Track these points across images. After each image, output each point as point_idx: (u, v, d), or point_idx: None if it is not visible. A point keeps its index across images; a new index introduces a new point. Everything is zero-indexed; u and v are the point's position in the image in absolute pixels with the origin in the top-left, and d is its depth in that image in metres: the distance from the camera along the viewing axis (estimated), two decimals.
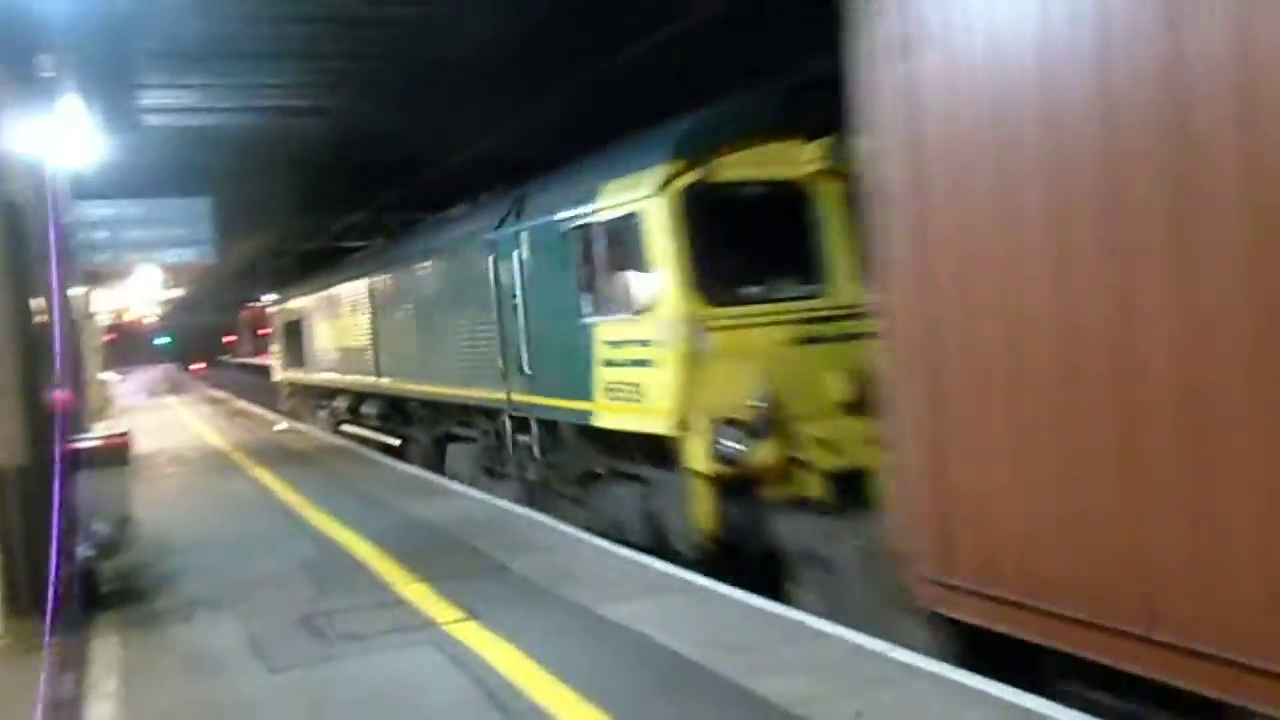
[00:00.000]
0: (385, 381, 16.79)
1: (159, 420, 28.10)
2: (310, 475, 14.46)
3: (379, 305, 17.02)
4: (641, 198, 8.07)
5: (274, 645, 6.46)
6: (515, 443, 11.15)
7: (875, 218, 5.75)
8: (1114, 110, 4.30)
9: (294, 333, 24.87)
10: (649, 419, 8.12)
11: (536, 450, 10.60)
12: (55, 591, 7.22)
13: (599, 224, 8.73)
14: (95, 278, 25.41)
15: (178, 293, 39.51)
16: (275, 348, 29.21)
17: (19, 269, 7.26)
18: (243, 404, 34.04)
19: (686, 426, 7.70)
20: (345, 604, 7.29)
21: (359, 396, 19.35)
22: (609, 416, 8.78)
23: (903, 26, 5.39)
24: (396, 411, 17.07)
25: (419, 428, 15.82)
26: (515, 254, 10.49)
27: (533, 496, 11.04)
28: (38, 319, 8.21)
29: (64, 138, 12.28)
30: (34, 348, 7.62)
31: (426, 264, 14.31)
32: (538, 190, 10.58)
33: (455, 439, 13.98)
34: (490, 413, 11.98)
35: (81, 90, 11.92)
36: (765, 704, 4.92)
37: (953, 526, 5.37)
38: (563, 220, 9.38)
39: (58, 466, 7.74)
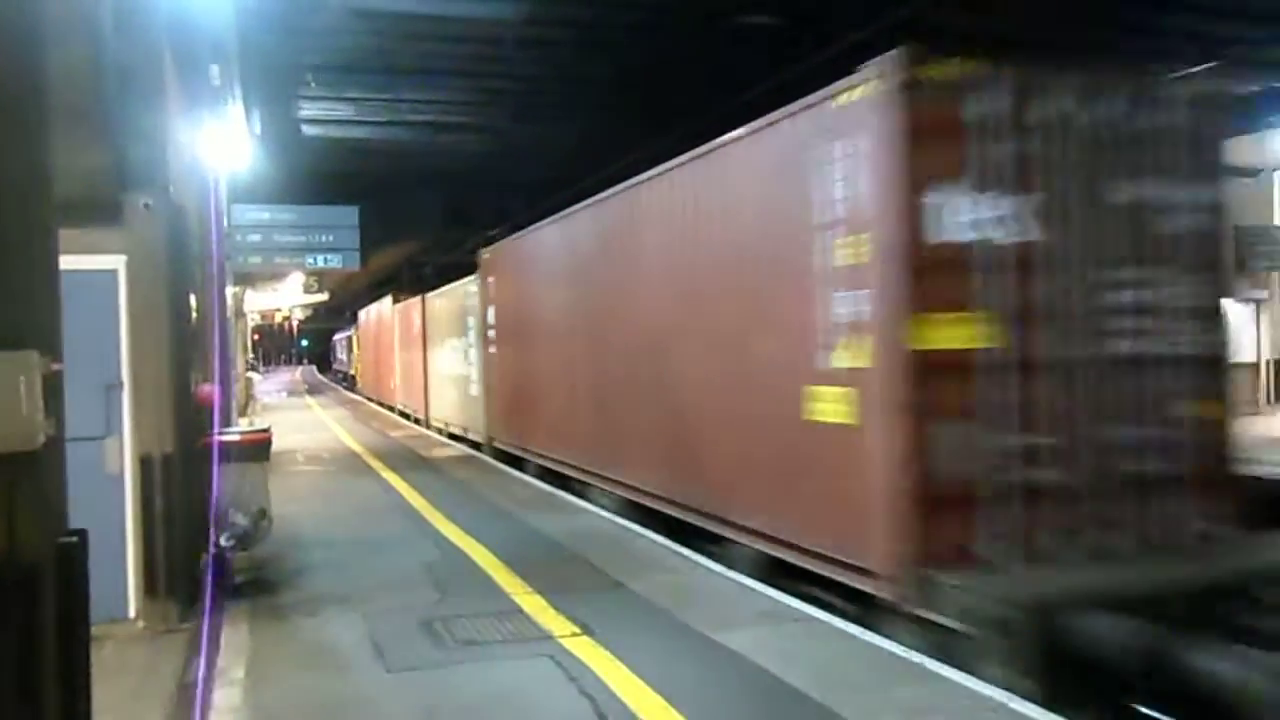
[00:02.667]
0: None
1: (297, 419, 29.10)
2: (436, 482, 14.76)
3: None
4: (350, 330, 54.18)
5: (393, 645, 6.59)
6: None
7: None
8: None
9: (335, 345, 73.30)
10: (354, 370, 51.76)
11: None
12: (211, 577, 7.54)
13: (350, 334, 55.52)
14: (245, 279, 26.49)
15: (320, 297, 40.89)
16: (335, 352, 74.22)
17: (179, 268, 7.60)
18: (376, 408, 35.03)
19: (359, 373, 48.60)
20: (464, 610, 7.40)
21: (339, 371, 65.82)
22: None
23: None
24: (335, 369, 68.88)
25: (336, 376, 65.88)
26: (347, 335, 58.76)
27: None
28: (192, 317, 8.59)
29: (226, 144, 12.85)
30: (187, 343, 7.96)
31: (337, 334, 69.88)
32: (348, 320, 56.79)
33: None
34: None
35: (245, 99, 12.44)
36: None
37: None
38: (344, 331, 61.05)
39: (215, 457, 8.08)
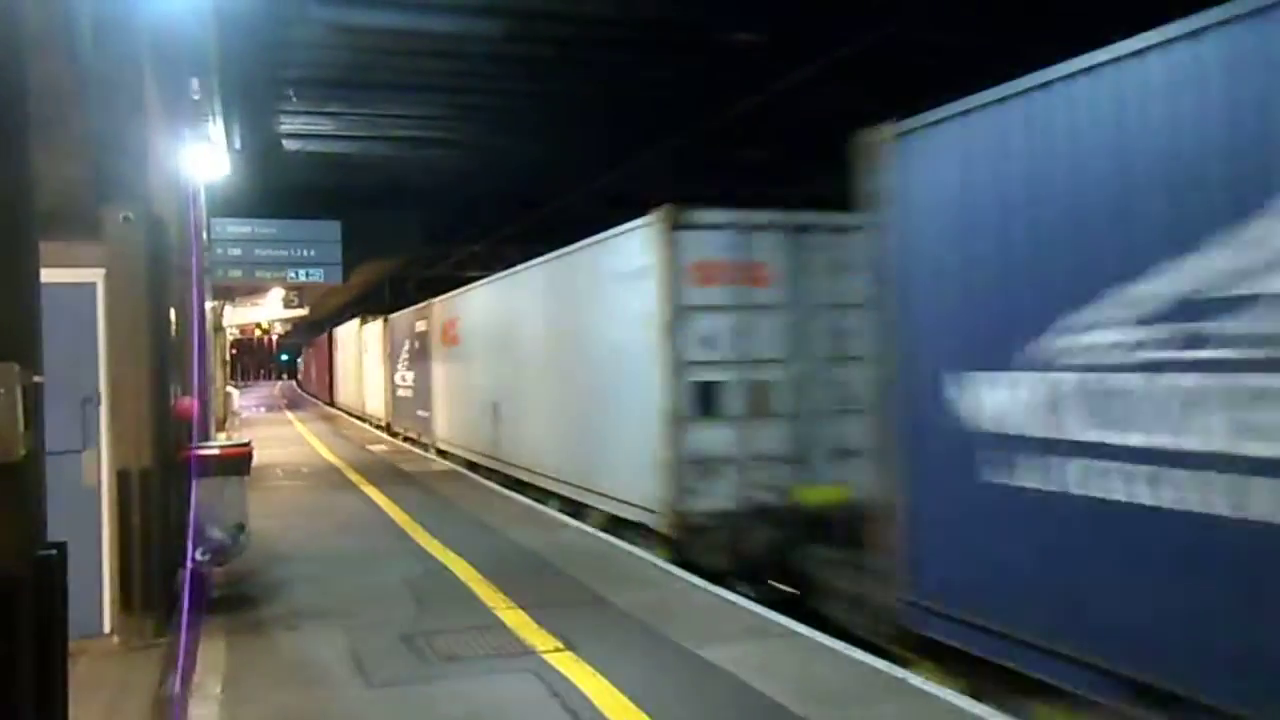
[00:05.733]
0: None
1: (276, 434, 28.94)
2: (418, 496, 14.70)
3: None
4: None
5: (374, 661, 6.55)
6: None
7: None
8: None
9: (298, 361, 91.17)
10: (300, 376, 75.65)
11: None
12: (188, 592, 7.47)
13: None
14: (225, 293, 26.37)
15: (300, 312, 40.70)
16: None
17: (158, 282, 7.55)
18: (357, 421, 34.87)
19: (302, 377, 75.08)
20: (446, 625, 7.36)
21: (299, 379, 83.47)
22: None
23: None
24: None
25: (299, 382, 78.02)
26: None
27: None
28: (171, 330, 8.53)
29: (207, 158, 12.82)
30: (166, 357, 7.91)
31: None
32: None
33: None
34: None
35: (226, 113, 12.39)
36: None
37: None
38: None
39: (193, 471, 8.03)
